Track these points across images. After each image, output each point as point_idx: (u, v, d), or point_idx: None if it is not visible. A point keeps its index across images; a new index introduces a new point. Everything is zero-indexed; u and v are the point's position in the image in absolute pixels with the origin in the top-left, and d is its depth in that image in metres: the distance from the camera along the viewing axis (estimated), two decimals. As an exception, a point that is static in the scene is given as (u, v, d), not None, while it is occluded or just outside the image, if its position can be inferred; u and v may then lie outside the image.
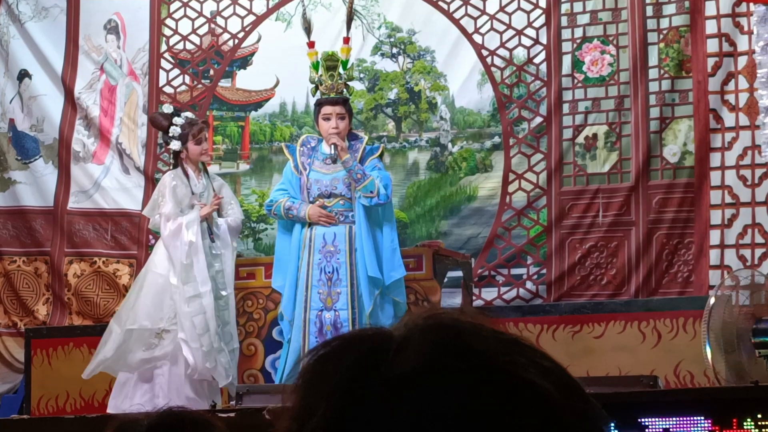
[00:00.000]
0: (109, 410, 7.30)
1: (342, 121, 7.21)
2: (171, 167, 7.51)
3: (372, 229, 7.18)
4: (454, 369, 1.05)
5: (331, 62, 7.29)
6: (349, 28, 7.62)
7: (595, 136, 8.84)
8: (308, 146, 7.37)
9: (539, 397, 1.05)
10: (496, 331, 1.11)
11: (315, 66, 7.33)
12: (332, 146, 7.16)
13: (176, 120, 7.35)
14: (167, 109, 7.64)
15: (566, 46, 8.95)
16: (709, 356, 6.23)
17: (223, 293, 7.32)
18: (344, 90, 7.30)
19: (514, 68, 9.04)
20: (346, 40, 7.50)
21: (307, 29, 7.54)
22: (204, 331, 7.05)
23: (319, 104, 7.29)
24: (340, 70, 7.28)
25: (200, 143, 7.36)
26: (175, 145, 7.32)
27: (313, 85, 7.35)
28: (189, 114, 7.60)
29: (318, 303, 7.18)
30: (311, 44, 7.44)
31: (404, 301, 7.25)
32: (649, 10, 8.70)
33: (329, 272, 7.17)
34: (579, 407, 1.07)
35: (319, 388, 1.08)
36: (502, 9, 9.06)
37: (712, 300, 6.34)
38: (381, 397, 1.05)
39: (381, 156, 7.38)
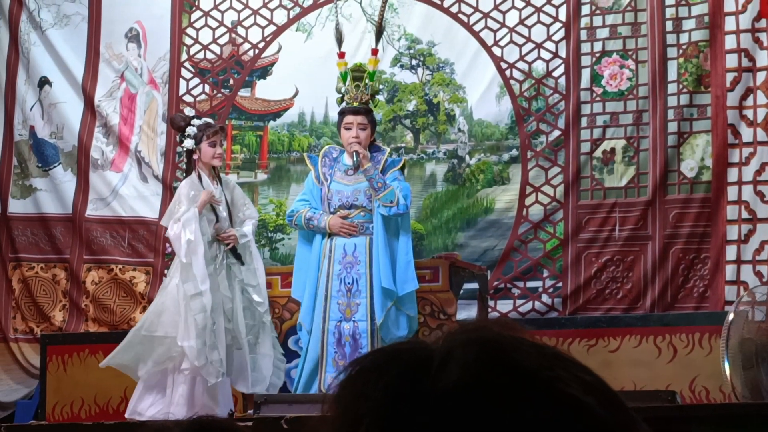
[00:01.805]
0: (128, 414, 7.32)
1: (363, 132, 7.21)
2: (185, 170, 7.53)
3: (389, 240, 7.19)
4: (499, 384, 1.05)
5: (357, 73, 7.31)
6: (378, 40, 7.64)
7: (612, 150, 8.84)
8: (330, 157, 7.39)
9: (584, 412, 1.05)
10: (536, 344, 1.11)
11: (343, 76, 7.35)
12: (354, 154, 7.16)
13: (194, 121, 7.43)
14: (188, 112, 7.72)
15: (585, 60, 8.95)
16: (728, 372, 6.21)
17: (262, 308, 7.37)
18: (369, 101, 7.31)
19: (533, 81, 9.05)
20: (375, 52, 7.52)
21: (339, 39, 7.57)
22: (203, 328, 7.06)
23: (342, 113, 7.30)
24: (367, 81, 7.30)
25: (214, 146, 7.37)
26: (188, 143, 7.36)
27: (339, 96, 7.37)
28: (210, 120, 7.68)
29: (337, 314, 7.18)
30: (342, 54, 7.46)
31: (415, 315, 7.24)
32: (669, 25, 8.71)
33: (349, 283, 7.18)
34: (623, 421, 1.07)
35: (362, 403, 1.08)
36: (521, 22, 9.08)
37: (731, 316, 6.32)
38: (427, 412, 1.05)
39: (403, 169, 7.38)
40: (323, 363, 7.18)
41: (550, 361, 1.09)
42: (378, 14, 7.88)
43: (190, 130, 7.35)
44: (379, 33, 7.68)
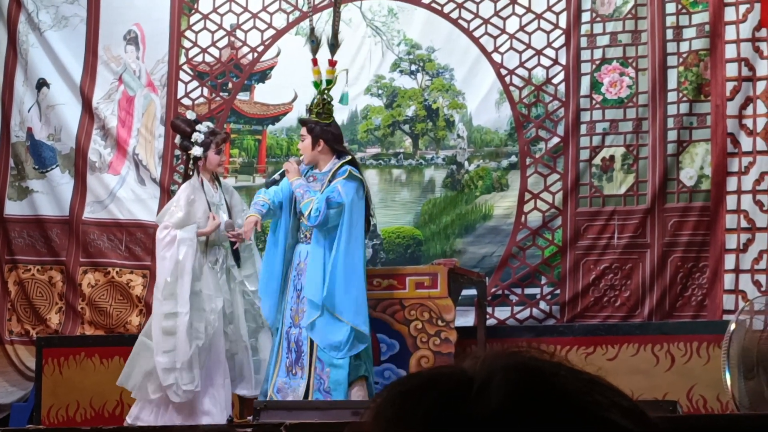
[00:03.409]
0: (128, 418, 7.32)
1: (302, 143, 7.47)
2: (190, 173, 7.52)
3: (324, 251, 7.16)
4: (539, 410, 1.05)
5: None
6: (333, 52, 7.71)
7: (612, 157, 8.84)
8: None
9: None
10: (573, 369, 1.11)
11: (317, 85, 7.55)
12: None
13: (200, 127, 7.46)
14: (190, 115, 7.73)
15: (585, 67, 8.95)
16: (729, 382, 6.21)
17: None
18: (315, 111, 7.48)
19: (533, 88, 9.04)
20: (314, 62, 7.59)
21: (333, 46, 7.63)
22: (170, 349, 7.04)
23: None
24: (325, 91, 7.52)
25: (220, 153, 7.47)
26: (197, 150, 7.38)
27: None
28: (210, 124, 7.71)
29: (289, 319, 7.32)
30: (332, 62, 7.54)
31: (363, 330, 7.12)
32: (669, 34, 8.71)
33: (298, 289, 7.27)
34: None
35: (402, 426, 1.07)
36: (522, 29, 9.07)
37: (732, 326, 6.32)
38: None
39: (352, 178, 7.30)
40: (277, 367, 7.25)
41: (587, 386, 1.09)
42: (332, 25, 7.92)
43: (197, 137, 7.36)
44: (317, 45, 7.77)
